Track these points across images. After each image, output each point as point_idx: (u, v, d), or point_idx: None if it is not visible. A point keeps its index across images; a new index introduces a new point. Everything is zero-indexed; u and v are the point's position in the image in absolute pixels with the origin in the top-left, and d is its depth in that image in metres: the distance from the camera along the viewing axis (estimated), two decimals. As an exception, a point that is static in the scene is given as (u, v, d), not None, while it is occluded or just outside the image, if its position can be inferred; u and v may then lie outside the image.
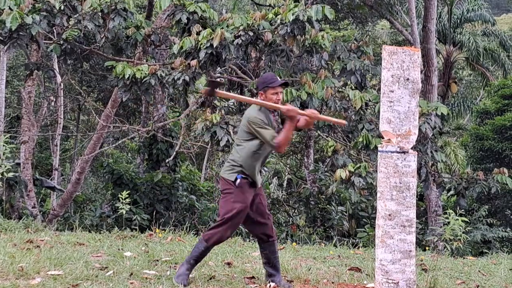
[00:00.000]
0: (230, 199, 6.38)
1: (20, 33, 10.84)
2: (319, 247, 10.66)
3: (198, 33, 11.28)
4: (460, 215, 10.21)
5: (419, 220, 18.86)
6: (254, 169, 6.40)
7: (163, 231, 10.53)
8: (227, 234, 6.43)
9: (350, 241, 13.96)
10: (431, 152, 12.01)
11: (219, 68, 12.27)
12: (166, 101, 20.77)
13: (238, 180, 6.36)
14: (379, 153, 5.08)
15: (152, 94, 17.09)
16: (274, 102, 6.32)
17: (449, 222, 9.90)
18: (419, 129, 10.57)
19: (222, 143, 11.03)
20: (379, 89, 11.99)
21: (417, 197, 5.28)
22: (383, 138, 5.16)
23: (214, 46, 10.87)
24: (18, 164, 16.08)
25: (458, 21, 29.14)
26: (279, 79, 6.42)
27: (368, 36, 27.76)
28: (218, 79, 6.11)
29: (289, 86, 11.41)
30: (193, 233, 10.93)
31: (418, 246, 13.13)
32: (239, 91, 21.75)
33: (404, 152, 4.95)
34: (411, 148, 5.03)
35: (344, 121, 6.69)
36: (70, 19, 11.60)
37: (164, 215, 17.40)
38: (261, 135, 6.25)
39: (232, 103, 23.85)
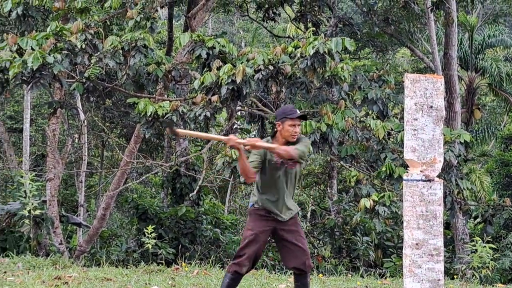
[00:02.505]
0: (245, 227, 6.58)
1: (43, 72, 10.96)
2: (346, 278, 10.60)
3: (218, 68, 11.36)
4: (488, 242, 10.13)
5: (446, 248, 18.69)
6: (267, 201, 6.44)
7: (189, 265, 10.53)
8: (244, 264, 6.44)
9: (377, 271, 13.85)
10: (456, 180, 11.93)
11: (239, 102, 12.33)
12: (189, 135, 20.85)
13: (249, 208, 6.54)
14: (404, 181, 5.07)
15: (175, 129, 17.16)
16: (291, 133, 6.35)
17: (476, 250, 9.81)
18: (443, 157, 10.52)
19: (242, 179, 11.06)
20: (401, 118, 11.97)
21: (443, 225, 5.25)
22: (407, 166, 5.16)
23: (238, 82, 10.92)
24: (44, 201, 16.18)
25: (480, 47, 29.04)
26: (298, 112, 6.45)
27: (388, 65, 27.77)
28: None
29: (308, 119, 11.41)
30: (219, 266, 10.91)
31: (446, 275, 13.00)
32: (260, 123, 21.82)
33: (429, 180, 4.94)
34: (437, 176, 5.01)
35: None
36: (92, 57, 11.73)
37: (189, 248, 17.40)
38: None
39: (253, 136, 23.88)
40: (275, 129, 6.46)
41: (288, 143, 6.38)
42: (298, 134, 6.41)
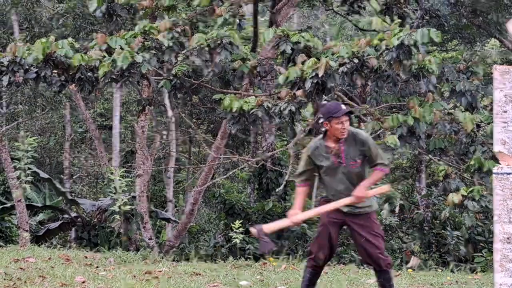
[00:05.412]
0: None
1: (131, 71, 11.18)
2: (436, 273, 10.46)
3: (303, 63, 11.33)
4: None
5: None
6: (330, 194, 6.47)
7: (276, 260, 10.57)
8: (318, 256, 6.56)
9: (468, 266, 13.59)
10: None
11: (324, 96, 12.27)
12: (274, 130, 20.92)
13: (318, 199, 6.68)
14: (494, 175, 4.96)
15: (260, 125, 17.26)
16: (339, 131, 6.32)
17: None
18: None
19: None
20: (490, 110, 11.68)
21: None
22: (497, 160, 5.05)
23: (320, 75, 10.88)
24: (134, 197, 16.54)
25: None
26: (343, 107, 6.39)
27: (477, 56, 27.15)
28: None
29: (396, 112, 11.27)
30: (306, 261, 10.89)
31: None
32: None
33: (520, 174, 4.82)
34: (528, 169, 4.89)
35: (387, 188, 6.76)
36: (178, 55, 11.88)
37: (276, 243, 17.48)
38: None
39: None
40: (325, 129, 6.44)
41: (339, 140, 6.38)
42: (347, 129, 6.36)
